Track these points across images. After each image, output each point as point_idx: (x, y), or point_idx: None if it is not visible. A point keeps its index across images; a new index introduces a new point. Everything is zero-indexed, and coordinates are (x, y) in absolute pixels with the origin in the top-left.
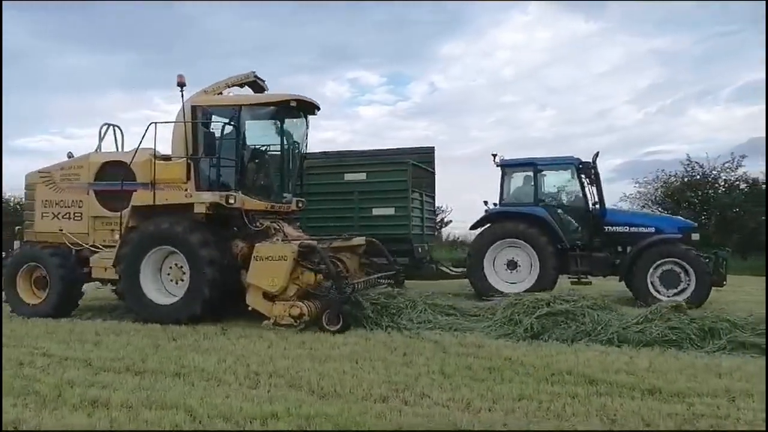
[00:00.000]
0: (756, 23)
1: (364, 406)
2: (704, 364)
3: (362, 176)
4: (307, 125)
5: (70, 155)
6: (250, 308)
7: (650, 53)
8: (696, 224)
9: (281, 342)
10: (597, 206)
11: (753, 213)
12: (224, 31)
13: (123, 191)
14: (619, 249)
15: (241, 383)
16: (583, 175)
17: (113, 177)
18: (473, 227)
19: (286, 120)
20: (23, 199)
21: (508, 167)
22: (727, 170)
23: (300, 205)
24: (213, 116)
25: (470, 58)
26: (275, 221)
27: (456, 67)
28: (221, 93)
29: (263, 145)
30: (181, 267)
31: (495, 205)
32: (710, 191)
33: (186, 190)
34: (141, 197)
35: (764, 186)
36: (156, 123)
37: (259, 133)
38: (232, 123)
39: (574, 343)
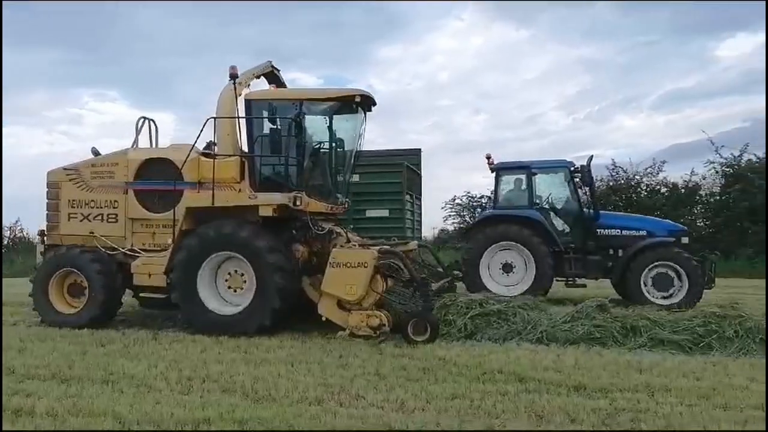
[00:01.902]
0: (675, 33)
1: (299, 409)
2: (626, 361)
3: (355, 178)
4: (365, 121)
5: (95, 151)
6: (323, 318)
7: (577, 61)
8: (686, 228)
9: (215, 346)
10: (590, 209)
11: (673, 216)
12: (152, 30)
13: (167, 191)
14: (611, 252)
15: (172, 389)
16: (576, 179)
17: (156, 175)
18: (467, 230)
19: (347, 116)
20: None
21: (502, 170)
22: (649, 175)
23: (346, 206)
24: (271, 111)
25: (407, 62)
26: (337, 224)
27: (393, 70)
28: (249, 85)
29: (321, 142)
30: (242, 274)
31: (484, 208)
32: (633, 195)
33: (240, 190)
34: (197, 198)
35: (682, 190)
36: (215, 118)
37: (319, 129)
38: (297, 118)
39: (505, 342)
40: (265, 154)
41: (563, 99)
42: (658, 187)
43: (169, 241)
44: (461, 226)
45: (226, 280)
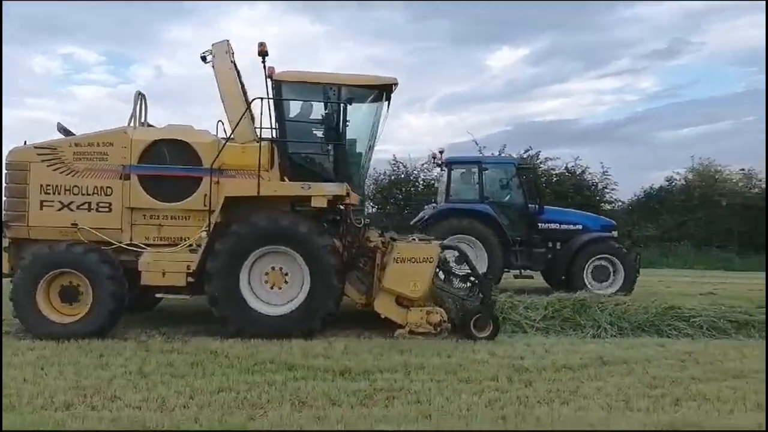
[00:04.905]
0: (453, 42)
1: (42, 416)
2: (390, 344)
3: None
4: (388, 110)
5: (63, 128)
6: (382, 317)
7: (368, 60)
8: (614, 222)
9: None
10: (535, 204)
11: None
12: None
13: (184, 177)
14: (551, 245)
15: None
16: (522, 174)
17: (168, 159)
18: (422, 223)
19: (375, 104)
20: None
21: (453, 165)
22: (425, 170)
23: None
24: (298, 94)
25: (199, 45)
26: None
27: (183, 52)
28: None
29: (354, 129)
30: (281, 269)
31: (433, 204)
32: (412, 189)
33: (269, 179)
34: (238, 186)
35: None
36: (262, 98)
37: (353, 117)
38: (348, 103)
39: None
40: (306, 140)
41: None
42: (433, 182)
43: (202, 234)
44: None
45: (266, 282)
